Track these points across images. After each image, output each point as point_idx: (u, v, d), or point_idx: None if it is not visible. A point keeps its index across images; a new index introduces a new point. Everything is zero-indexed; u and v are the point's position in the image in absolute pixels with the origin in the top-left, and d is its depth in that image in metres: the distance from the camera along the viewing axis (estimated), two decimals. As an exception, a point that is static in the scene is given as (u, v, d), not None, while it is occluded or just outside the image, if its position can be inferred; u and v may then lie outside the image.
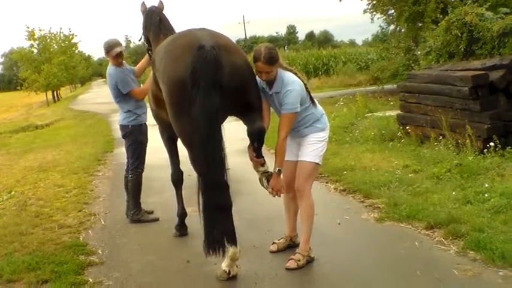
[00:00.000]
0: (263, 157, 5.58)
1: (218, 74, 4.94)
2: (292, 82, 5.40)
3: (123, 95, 7.51)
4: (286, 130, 5.40)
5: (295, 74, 5.56)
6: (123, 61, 7.77)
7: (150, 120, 7.28)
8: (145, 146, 7.73)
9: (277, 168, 5.44)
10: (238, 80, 5.15)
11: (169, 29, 6.87)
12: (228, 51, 5.18)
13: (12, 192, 10.17)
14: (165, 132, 6.72)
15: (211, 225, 5.07)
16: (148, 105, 7.04)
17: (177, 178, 6.99)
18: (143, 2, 7.17)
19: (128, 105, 7.56)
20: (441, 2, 20.35)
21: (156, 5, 7.06)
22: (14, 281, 5.67)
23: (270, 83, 5.45)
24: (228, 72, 5.02)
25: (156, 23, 6.93)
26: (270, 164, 5.64)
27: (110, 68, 7.64)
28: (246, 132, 5.44)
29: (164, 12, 7.07)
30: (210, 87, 4.89)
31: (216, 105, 4.91)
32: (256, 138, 5.41)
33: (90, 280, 5.59)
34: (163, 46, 5.59)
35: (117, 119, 7.95)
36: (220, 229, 5.05)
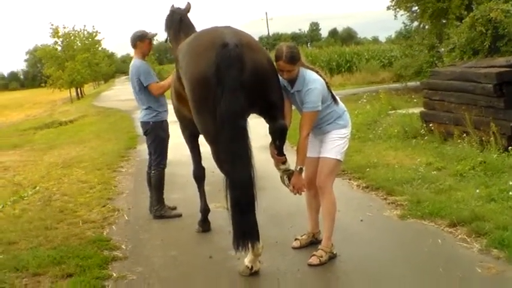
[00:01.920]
0: (284, 155, 5.60)
1: (242, 72, 4.95)
2: (313, 81, 5.40)
3: (144, 89, 7.55)
4: (308, 128, 5.41)
5: (317, 72, 5.56)
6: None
7: (171, 117, 7.33)
8: (167, 143, 7.77)
9: (299, 167, 5.45)
10: (261, 78, 5.16)
11: (190, 28, 6.93)
12: (251, 49, 5.20)
13: (37, 188, 10.29)
14: (187, 129, 6.76)
15: (239, 221, 5.09)
16: (170, 102, 7.07)
17: (199, 174, 7.03)
18: (172, 4, 7.23)
19: (148, 101, 7.60)
20: (466, -2, 20.20)
21: (183, 7, 7.12)
22: (39, 274, 5.74)
23: (292, 81, 5.46)
24: (251, 70, 5.03)
25: (176, 21, 7.01)
26: (292, 161, 5.65)
27: (135, 61, 7.70)
28: (268, 130, 5.46)
29: (189, 14, 7.14)
30: (235, 85, 4.91)
31: (241, 103, 4.93)
32: (278, 136, 5.44)
33: (114, 274, 5.65)
34: (187, 43, 5.62)
35: (138, 116, 7.99)
36: (246, 225, 5.07)
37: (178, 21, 7.01)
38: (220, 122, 4.94)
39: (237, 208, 5.08)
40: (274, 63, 5.41)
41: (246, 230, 5.07)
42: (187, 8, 7.12)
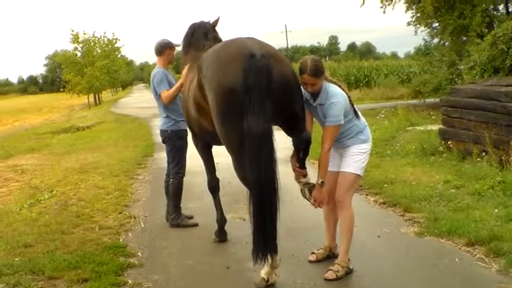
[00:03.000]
0: (306, 168, 5.60)
1: (270, 82, 4.97)
2: (336, 95, 5.41)
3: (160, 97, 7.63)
4: (330, 142, 5.41)
5: (340, 86, 5.57)
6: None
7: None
8: (185, 151, 7.79)
9: (321, 180, 5.45)
10: (286, 89, 5.18)
11: (200, 40, 7.04)
12: (277, 60, 5.23)
13: (54, 192, 10.36)
14: (201, 140, 6.80)
15: (261, 232, 5.07)
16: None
17: (214, 185, 7.05)
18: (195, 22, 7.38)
19: (166, 109, 7.65)
20: (487, 16, 20.14)
21: (208, 20, 7.29)
22: (55, 278, 5.79)
23: (315, 94, 5.47)
24: (278, 81, 5.05)
25: (188, 35, 7.24)
26: (311, 175, 5.65)
27: (155, 69, 7.83)
28: (291, 142, 5.47)
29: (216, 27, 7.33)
30: (264, 96, 4.93)
31: (270, 112, 4.95)
32: (303, 148, 5.47)
33: (130, 281, 5.67)
34: (212, 53, 5.64)
35: (158, 124, 8.04)
36: (269, 237, 5.06)
37: (190, 35, 7.19)
38: (248, 131, 4.94)
39: (260, 219, 5.06)
40: (298, 76, 5.42)
41: (267, 241, 5.06)
42: (213, 24, 7.30)
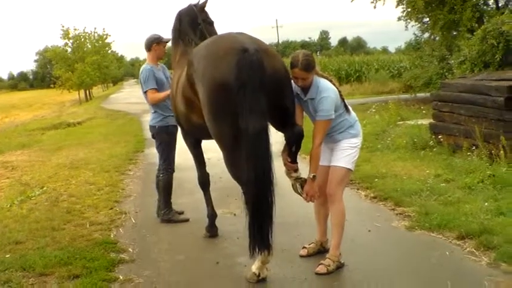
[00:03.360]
0: (297, 162, 5.60)
1: (263, 77, 4.97)
2: (327, 89, 5.42)
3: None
4: (321, 137, 5.41)
5: (330, 81, 5.58)
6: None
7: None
8: (173, 147, 7.77)
9: (312, 174, 5.45)
10: (279, 83, 5.19)
11: (189, 33, 6.99)
12: (269, 55, 5.23)
13: (45, 188, 10.33)
14: (190, 135, 6.78)
15: (259, 227, 5.08)
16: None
17: (204, 181, 7.04)
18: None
19: (155, 105, 7.63)
20: (477, 11, 20.17)
21: (197, 2, 7.20)
22: (46, 274, 5.76)
23: (305, 89, 5.48)
24: (271, 76, 5.05)
25: (175, 27, 7.20)
26: (301, 169, 5.66)
27: (144, 65, 7.81)
28: (282, 137, 5.46)
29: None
30: (258, 90, 4.92)
31: (264, 106, 4.94)
32: (296, 142, 5.47)
33: (121, 277, 5.65)
34: (203, 48, 5.60)
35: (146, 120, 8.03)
36: (266, 231, 5.07)
37: (178, 27, 7.13)
38: (244, 126, 4.93)
39: (256, 213, 5.07)
40: (289, 70, 5.42)
41: (264, 236, 5.07)
42: (199, 7, 7.19)
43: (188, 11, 7.18)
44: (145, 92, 7.56)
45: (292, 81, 5.47)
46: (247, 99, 4.91)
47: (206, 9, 7.31)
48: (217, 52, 5.30)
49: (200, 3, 7.24)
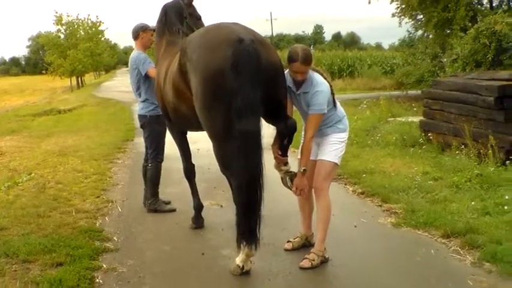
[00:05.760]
0: (288, 156, 5.59)
1: (259, 67, 4.94)
2: (321, 83, 5.42)
3: (142, 80, 7.55)
4: (313, 130, 5.41)
5: (322, 75, 5.56)
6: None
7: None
8: (164, 136, 7.70)
9: (303, 168, 5.45)
10: (273, 75, 5.17)
11: (174, 24, 6.94)
12: (264, 46, 5.22)
13: (32, 174, 10.27)
14: (176, 126, 6.72)
15: (248, 219, 5.07)
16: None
17: (190, 172, 7.02)
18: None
19: (145, 93, 7.58)
20: (471, 10, 20.23)
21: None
22: (29, 261, 5.72)
23: (298, 82, 5.46)
24: (266, 66, 5.03)
25: (161, 19, 7.10)
26: (290, 163, 5.66)
27: (134, 52, 7.74)
28: (272, 130, 5.44)
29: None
30: (254, 79, 4.88)
31: (259, 97, 4.91)
32: (288, 135, 5.45)
33: (104, 266, 5.64)
34: (198, 37, 5.52)
35: (136, 108, 7.97)
36: (254, 223, 5.06)
37: (163, 17, 7.07)
38: (237, 116, 4.89)
39: (246, 206, 5.06)
40: (287, 65, 5.42)
41: (253, 228, 5.06)
42: (175, 5, 7.11)
43: (174, 5, 7.11)
44: (145, 74, 7.49)
45: (285, 73, 5.45)
46: (242, 89, 4.87)
47: (194, 3, 7.28)
48: (212, 41, 5.24)
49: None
